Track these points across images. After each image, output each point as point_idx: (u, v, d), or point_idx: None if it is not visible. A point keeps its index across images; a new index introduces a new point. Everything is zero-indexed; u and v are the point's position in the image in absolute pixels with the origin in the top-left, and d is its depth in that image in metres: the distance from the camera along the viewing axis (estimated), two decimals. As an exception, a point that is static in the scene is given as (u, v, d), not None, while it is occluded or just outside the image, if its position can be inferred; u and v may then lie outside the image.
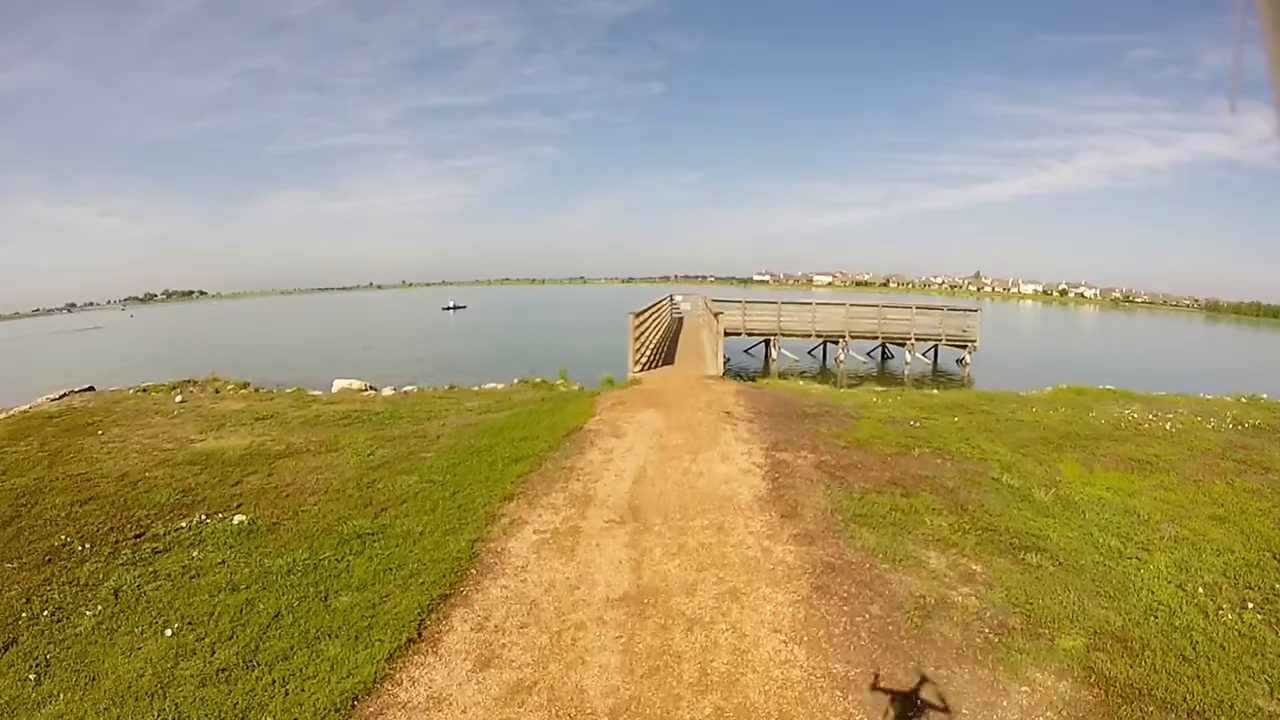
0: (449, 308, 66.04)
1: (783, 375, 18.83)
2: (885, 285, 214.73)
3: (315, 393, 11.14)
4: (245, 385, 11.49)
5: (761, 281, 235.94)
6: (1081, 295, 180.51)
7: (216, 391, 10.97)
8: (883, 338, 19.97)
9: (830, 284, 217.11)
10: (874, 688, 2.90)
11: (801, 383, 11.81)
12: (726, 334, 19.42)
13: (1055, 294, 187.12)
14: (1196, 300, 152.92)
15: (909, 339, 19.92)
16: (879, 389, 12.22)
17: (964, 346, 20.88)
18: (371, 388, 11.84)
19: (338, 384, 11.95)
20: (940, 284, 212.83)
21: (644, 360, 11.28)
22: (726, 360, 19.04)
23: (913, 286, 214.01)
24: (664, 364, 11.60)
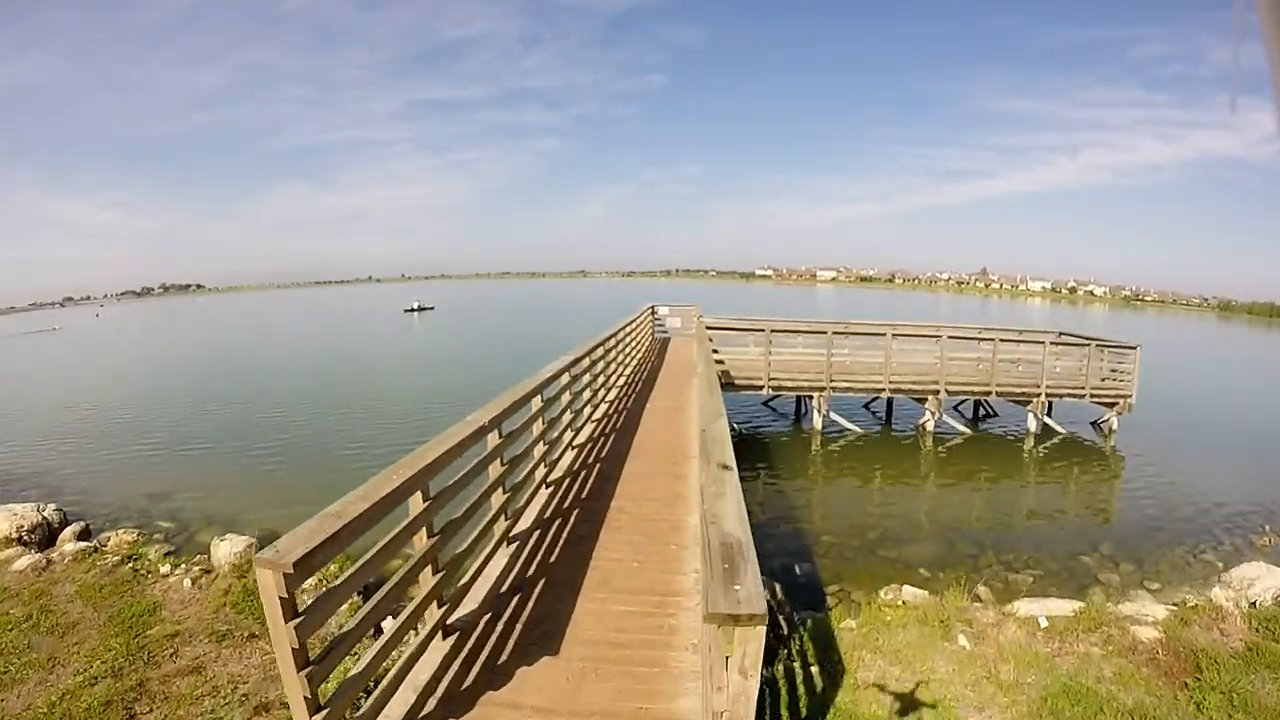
0: (412, 310, 58.11)
1: (831, 453, 10.62)
2: (890, 281, 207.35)
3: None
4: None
5: (764, 276, 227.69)
6: (1091, 294, 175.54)
7: None
8: (997, 392, 11.89)
9: (834, 279, 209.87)
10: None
11: None
12: (739, 387, 11.39)
13: (1065, 292, 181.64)
14: (1207, 300, 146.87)
15: (1038, 394, 11.93)
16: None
17: (1112, 404, 12.92)
18: (20, 535, 7.33)
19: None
20: (946, 280, 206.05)
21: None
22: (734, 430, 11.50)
23: (919, 283, 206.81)
24: (570, 580, 3.67)
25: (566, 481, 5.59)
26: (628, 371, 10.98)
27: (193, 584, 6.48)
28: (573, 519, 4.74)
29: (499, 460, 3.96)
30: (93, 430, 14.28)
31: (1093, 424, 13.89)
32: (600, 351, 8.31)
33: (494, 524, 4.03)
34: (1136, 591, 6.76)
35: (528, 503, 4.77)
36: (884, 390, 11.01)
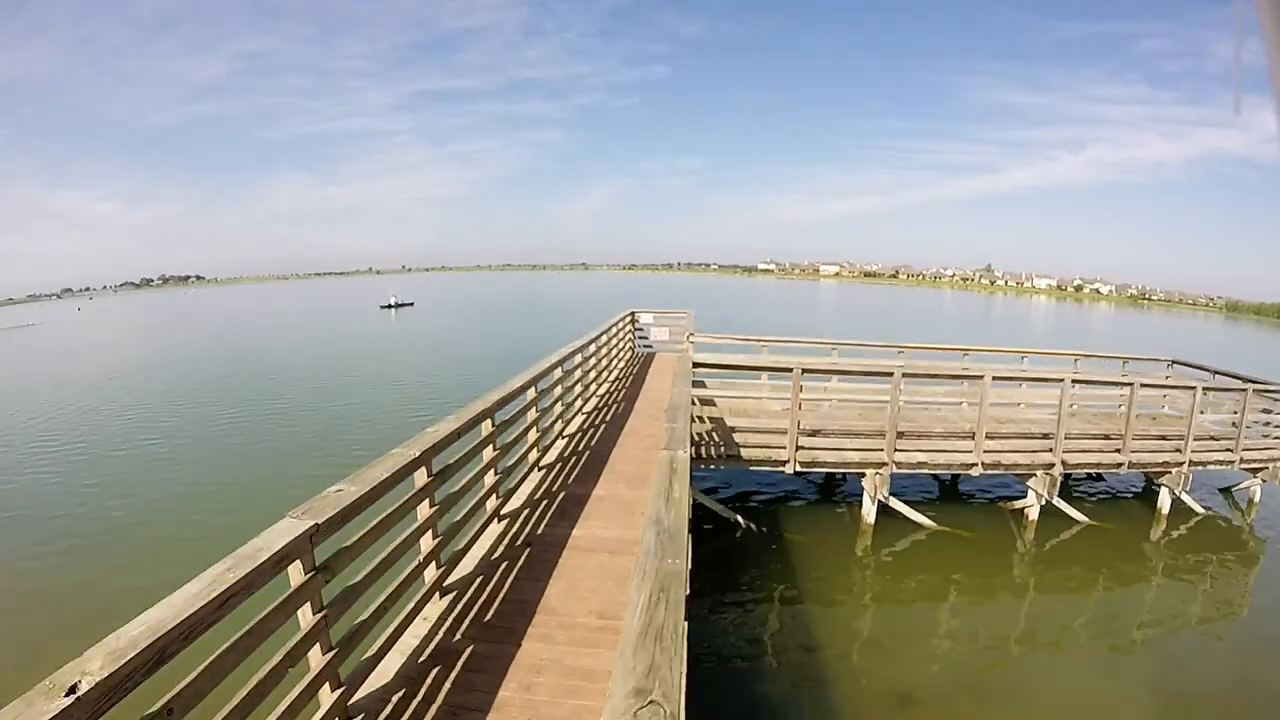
0: (389, 306, 54.29)
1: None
2: (894, 277, 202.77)
3: None
4: None
5: (766, 270, 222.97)
6: (1097, 292, 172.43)
7: None
8: (1130, 463, 7.94)
9: (837, 274, 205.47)
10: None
11: None
12: (748, 460, 7.23)
13: (1071, 290, 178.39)
14: (1213, 300, 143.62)
15: (1180, 464, 8.06)
16: None
17: (1257, 469, 9.11)
18: None
19: None
20: (951, 276, 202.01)
21: None
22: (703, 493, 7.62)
23: (923, 279, 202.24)
24: None
25: None
26: (577, 421, 7.13)
27: None
28: None
29: None
30: None
31: (1221, 491, 10.13)
32: (513, 407, 4.44)
33: None
34: None
35: None
36: (975, 466, 7.07)
